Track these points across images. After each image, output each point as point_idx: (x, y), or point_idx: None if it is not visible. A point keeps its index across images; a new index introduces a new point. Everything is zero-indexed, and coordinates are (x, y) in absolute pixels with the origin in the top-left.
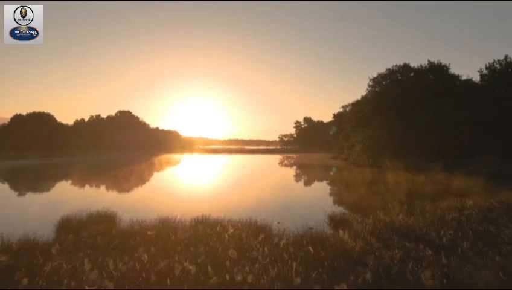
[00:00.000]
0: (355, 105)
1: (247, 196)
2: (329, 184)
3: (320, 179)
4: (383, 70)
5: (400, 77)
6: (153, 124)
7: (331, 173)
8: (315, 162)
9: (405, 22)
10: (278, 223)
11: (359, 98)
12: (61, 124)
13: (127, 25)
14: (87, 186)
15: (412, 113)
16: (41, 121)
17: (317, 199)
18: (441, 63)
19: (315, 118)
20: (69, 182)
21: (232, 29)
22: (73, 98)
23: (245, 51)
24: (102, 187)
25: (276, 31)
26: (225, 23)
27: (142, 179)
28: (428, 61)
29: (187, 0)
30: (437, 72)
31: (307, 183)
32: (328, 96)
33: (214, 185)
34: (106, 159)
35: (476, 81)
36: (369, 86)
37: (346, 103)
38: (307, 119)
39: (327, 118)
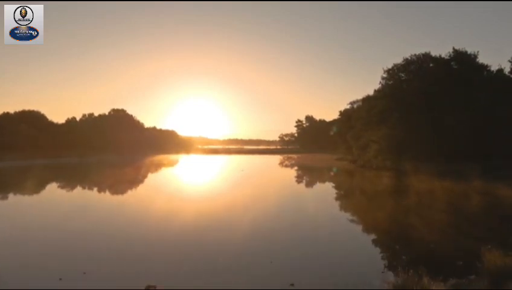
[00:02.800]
0: (366, 100)
1: (243, 220)
2: (348, 194)
3: (335, 187)
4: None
5: (419, 68)
6: (153, 124)
7: (344, 178)
8: (320, 163)
9: (405, 22)
10: (292, 285)
11: (360, 97)
12: (51, 123)
13: (127, 25)
14: (32, 202)
15: (436, 108)
16: (30, 120)
17: (340, 222)
18: (466, 51)
19: (316, 118)
20: (15, 194)
21: (232, 29)
22: (73, 98)
23: (245, 50)
24: (51, 204)
25: (276, 31)
26: (225, 23)
27: (109, 192)
28: (453, 48)
29: (187, 0)
30: (463, 61)
31: (320, 193)
32: (328, 96)
33: (200, 201)
34: (91, 161)
35: (507, 73)
36: (382, 78)
37: (347, 102)
38: (309, 118)
39: (329, 117)
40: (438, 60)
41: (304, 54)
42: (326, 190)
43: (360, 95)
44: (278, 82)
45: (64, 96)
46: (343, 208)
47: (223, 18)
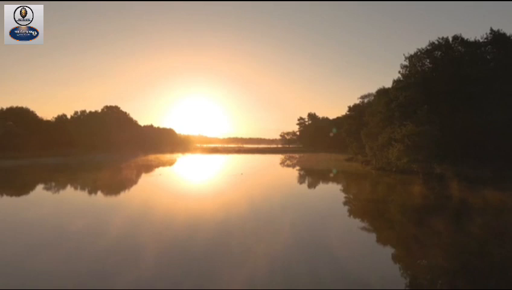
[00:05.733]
0: (382, 93)
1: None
2: (380, 212)
3: (357, 199)
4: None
5: (448, 53)
6: (153, 123)
7: (364, 186)
8: (328, 165)
9: (407, 21)
10: None
11: (360, 96)
12: (41, 121)
13: (127, 25)
14: None
15: (473, 100)
16: (18, 117)
17: (382, 269)
18: (505, 33)
19: (319, 115)
20: None
21: (232, 27)
22: (72, 97)
23: (246, 49)
24: None
25: (276, 29)
26: (225, 22)
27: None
28: (491, 29)
29: (187, 0)
30: (504, 44)
31: (339, 210)
32: (330, 95)
33: (180, 225)
34: (73, 162)
35: None
36: (402, 67)
37: (349, 100)
38: (312, 116)
39: (331, 115)
40: (472, 44)
41: (304, 52)
42: (347, 202)
43: (361, 94)
44: (279, 80)
45: (63, 96)
46: (380, 238)
47: (223, 17)
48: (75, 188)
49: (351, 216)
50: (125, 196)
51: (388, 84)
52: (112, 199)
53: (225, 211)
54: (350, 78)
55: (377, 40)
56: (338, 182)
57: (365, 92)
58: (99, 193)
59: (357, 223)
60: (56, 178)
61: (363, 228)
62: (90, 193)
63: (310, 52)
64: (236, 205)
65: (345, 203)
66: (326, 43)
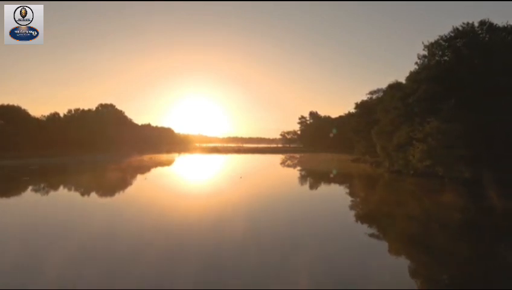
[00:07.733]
0: (395, 87)
1: None
2: (423, 237)
3: (380, 212)
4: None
5: (474, 40)
6: (152, 123)
7: (385, 194)
8: (334, 166)
9: (406, 21)
10: None
11: (369, 92)
12: (33, 119)
13: (128, 24)
14: None
15: (505, 92)
16: (9, 115)
17: None
18: None
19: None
20: None
21: (232, 27)
22: (73, 97)
23: (246, 48)
24: None
25: (276, 29)
26: (225, 22)
27: None
28: None
29: (188, 0)
30: None
31: (361, 230)
32: (331, 94)
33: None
34: (53, 163)
35: None
36: (419, 57)
37: (350, 101)
38: (313, 114)
39: (333, 115)
40: (501, 30)
41: (304, 52)
42: (369, 220)
43: (361, 94)
44: (279, 80)
45: (63, 96)
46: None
47: (223, 17)
48: (35, 199)
49: (381, 245)
50: (92, 210)
51: (388, 83)
52: (77, 212)
53: (214, 238)
54: (350, 78)
55: (377, 40)
56: (350, 189)
57: (365, 91)
58: (64, 204)
59: (391, 257)
60: (18, 184)
61: (401, 266)
62: (54, 205)
63: (310, 52)
64: (230, 229)
65: (367, 222)
66: (326, 43)
